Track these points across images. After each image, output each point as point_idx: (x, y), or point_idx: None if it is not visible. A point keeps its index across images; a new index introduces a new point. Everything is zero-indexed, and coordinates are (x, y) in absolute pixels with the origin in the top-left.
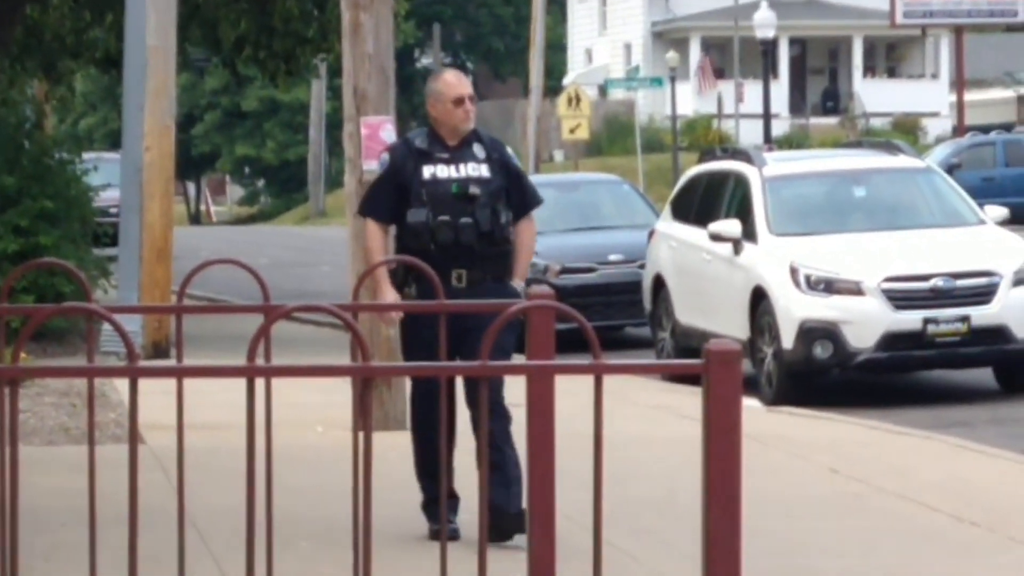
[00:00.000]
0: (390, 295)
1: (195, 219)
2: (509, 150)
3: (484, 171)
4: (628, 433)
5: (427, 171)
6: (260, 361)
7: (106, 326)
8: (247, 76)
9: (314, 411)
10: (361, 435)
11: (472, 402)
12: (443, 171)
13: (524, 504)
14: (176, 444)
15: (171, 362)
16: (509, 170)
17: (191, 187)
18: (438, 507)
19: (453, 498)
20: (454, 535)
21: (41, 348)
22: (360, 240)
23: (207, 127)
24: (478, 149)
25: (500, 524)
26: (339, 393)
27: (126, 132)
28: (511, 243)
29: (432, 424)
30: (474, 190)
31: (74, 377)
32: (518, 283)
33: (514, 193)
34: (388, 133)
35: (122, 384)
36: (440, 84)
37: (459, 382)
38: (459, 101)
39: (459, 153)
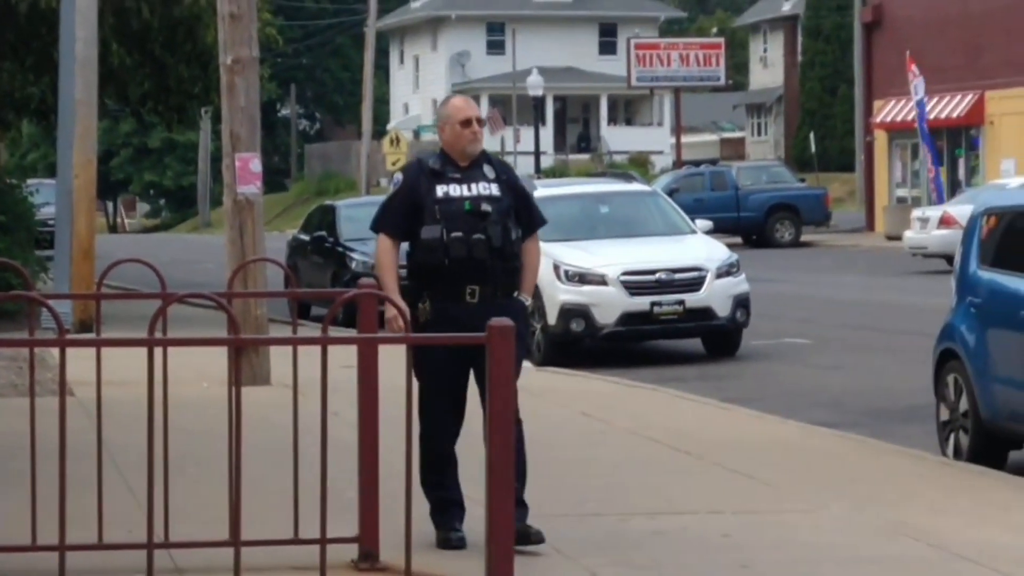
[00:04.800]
0: (391, 308)
1: (112, 229)
2: (516, 172)
3: (494, 190)
4: None
5: (440, 190)
6: (159, 334)
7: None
8: (151, 122)
9: (200, 371)
10: (234, 389)
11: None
12: (455, 190)
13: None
14: (96, 396)
15: (92, 335)
16: (517, 191)
17: (109, 205)
18: (443, 515)
19: (461, 508)
20: (460, 543)
21: None
22: (236, 245)
23: (121, 160)
24: (488, 170)
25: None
26: (219, 357)
27: (60, 164)
28: (520, 259)
29: (437, 431)
30: (486, 207)
31: (19, 347)
32: (525, 297)
33: (521, 213)
34: (255, 165)
35: (56, 351)
36: (448, 108)
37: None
38: (467, 123)
39: (470, 173)
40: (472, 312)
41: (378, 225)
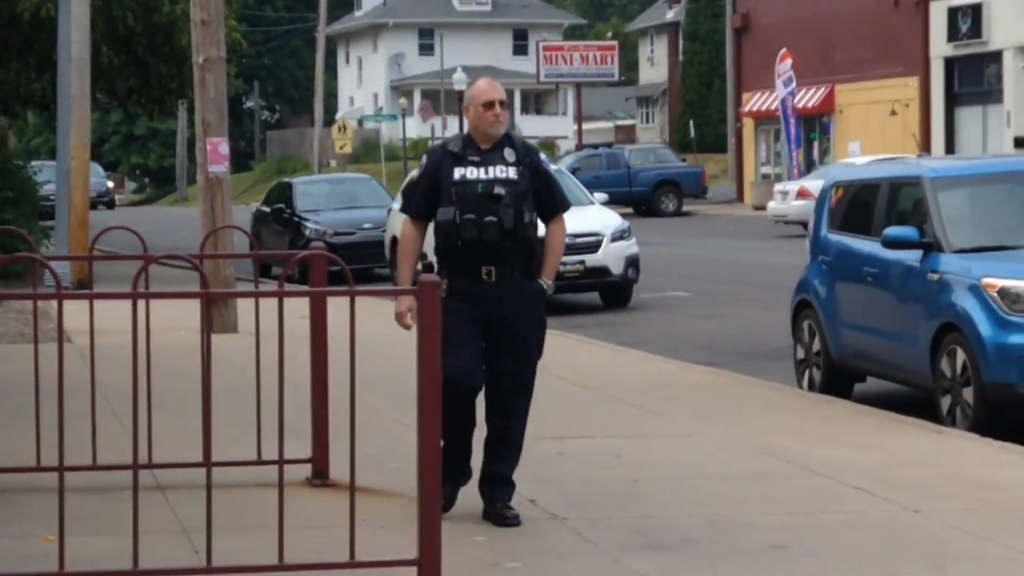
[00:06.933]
0: (402, 305)
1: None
2: (543, 156)
3: (511, 173)
4: (373, 334)
5: (458, 172)
6: (142, 289)
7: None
8: (135, 113)
9: (179, 320)
10: (206, 336)
11: (496, 391)
12: (472, 173)
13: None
14: (90, 342)
15: (86, 291)
16: (539, 174)
17: None
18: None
19: (464, 476)
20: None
21: (8, 284)
22: (208, 216)
23: (112, 145)
24: (508, 153)
25: (493, 486)
26: (195, 310)
27: (59, 148)
28: (534, 241)
29: (458, 420)
30: (499, 190)
31: (24, 300)
32: (545, 281)
33: (544, 196)
34: (224, 148)
35: (55, 304)
36: (473, 90)
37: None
38: (489, 105)
39: (489, 156)
40: (489, 290)
41: (404, 207)
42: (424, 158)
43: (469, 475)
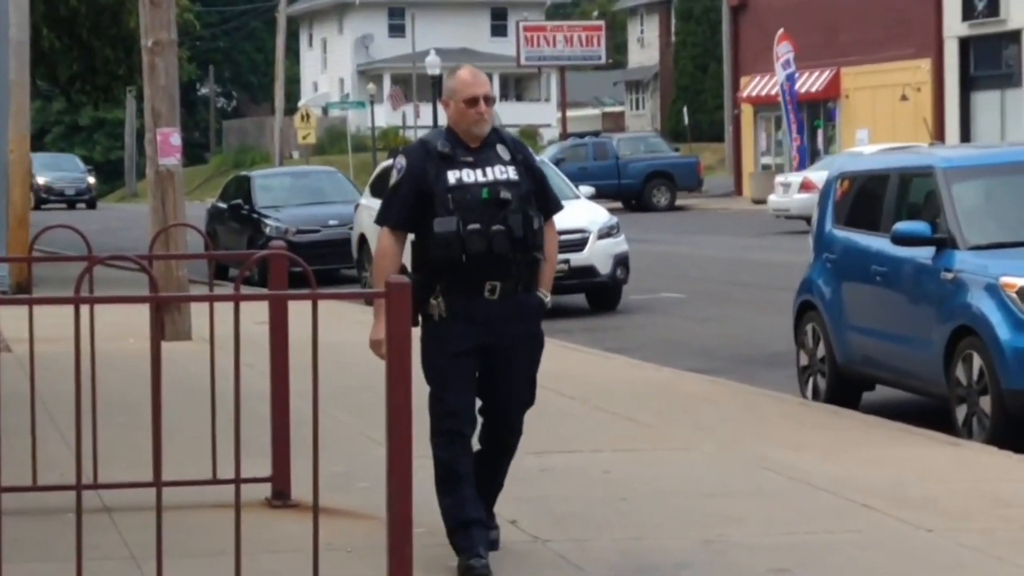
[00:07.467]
0: (379, 332)
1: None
2: (532, 151)
3: (512, 173)
4: (339, 340)
5: (452, 176)
6: (85, 293)
7: None
8: (80, 102)
9: (127, 327)
10: (155, 343)
11: (500, 423)
12: (469, 175)
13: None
14: (29, 351)
15: (25, 296)
16: (533, 173)
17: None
18: (465, 535)
19: (483, 526)
20: (484, 571)
21: None
22: (158, 212)
23: (55, 136)
24: (502, 150)
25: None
26: (145, 315)
27: None
28: (540, 249)
29: (456, 437)
30: (505, 194)
31: None
32: (544, 293)
33: (538, 198)
34: (175, 139)
35: None
36: (454, 82)
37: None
38: (472, 101)
39: (483, 155)
40: (491, 308)
41: (383, 217)
42: (401, 160)
43: (487, 527)
